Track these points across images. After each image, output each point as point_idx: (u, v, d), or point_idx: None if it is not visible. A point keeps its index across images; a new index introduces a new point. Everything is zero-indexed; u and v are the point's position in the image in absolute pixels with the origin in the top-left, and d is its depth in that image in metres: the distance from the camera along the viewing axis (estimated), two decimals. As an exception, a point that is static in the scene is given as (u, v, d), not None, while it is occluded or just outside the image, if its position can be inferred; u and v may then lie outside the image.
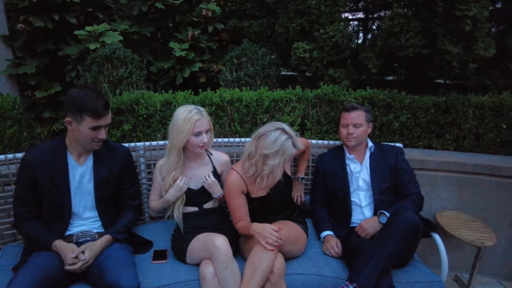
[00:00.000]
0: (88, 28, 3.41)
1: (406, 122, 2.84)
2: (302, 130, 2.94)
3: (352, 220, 2.22)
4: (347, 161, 2.27)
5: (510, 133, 2.77)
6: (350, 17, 3.89)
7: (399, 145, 2.43)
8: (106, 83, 3.21)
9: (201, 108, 1.95)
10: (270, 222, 1.96)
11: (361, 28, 4.11)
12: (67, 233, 1.87)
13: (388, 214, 1.99)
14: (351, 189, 2.23)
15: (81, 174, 1.87)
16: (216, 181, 2.03)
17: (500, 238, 2.62)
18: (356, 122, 2.14)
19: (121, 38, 3.53)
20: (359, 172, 2.21)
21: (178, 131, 1.87)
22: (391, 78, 4.04)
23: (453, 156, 2.73)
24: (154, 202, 2.10)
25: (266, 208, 2.04)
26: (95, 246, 1.79)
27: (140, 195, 2.18)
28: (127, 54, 3.39)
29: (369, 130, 2.23)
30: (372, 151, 2.24)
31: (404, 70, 3.43)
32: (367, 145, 2.27)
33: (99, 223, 1.95)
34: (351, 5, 3.65)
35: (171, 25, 4.85)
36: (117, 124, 2.73)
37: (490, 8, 2.78)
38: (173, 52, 3.95)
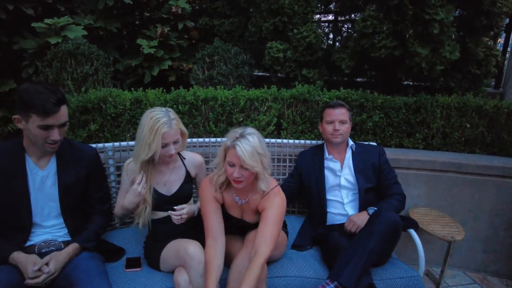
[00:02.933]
0: (47, 20, 3.17)
1: (379, 121, 2.90)
2: (278, 130, 2.91)
3: (328, 218, 2.23)
4: (326, 161, 2.28)
5: (473, 132, 2.91)
6: (323, 18, 3.94)
7: (373, 143, 2.48)
8: (69, 80, 2.99)
9: (172, 115, 1.73)
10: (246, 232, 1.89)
11: (330, 29, 4.18)
12: (28, 243, 1.69)
13: (376, 209, 2.01)
14: (327, 187, 2.23)
15: (42, 179, 1.70)
16: (188, 206, 1.86)
17: (466, 232, 2.73)
18: (341, 119, 2.17)
19: (86, 33, 3.32)
20: (341, 171, 2.22)
21: (144, 141, 1.68)
22: (360, 79, 4.14)
23: (423, 155, 2.82)
24: (116, 207, 1.94)
25: (242, 228, 1.92)
26: (61, 256, 1.63)
27: (109, 198, 2.03)
28: (92, 50, 3.20)
29: (350, 129, 2.26)
30: (354, 150, 2.26)
31: (374, 71, 3.51)
32: (347, 144, 2.29)
33: (65, 230, 1.78)
34: (323, 6, 3.69)
35: (138, 22, 4.67)
36: (83, 124, 2.54)
37: (454, 14, 2.92)
38: (141, 49, 3.78)
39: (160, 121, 1.66)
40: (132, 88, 2.71)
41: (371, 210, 2.05)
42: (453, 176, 2.75)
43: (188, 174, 1.96)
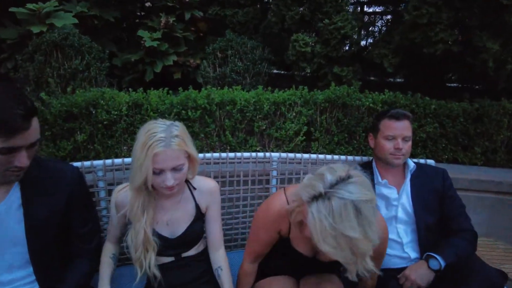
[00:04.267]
0: (30, 5, 2.65)
1: (432, 132, 2.37)
2: (308, 141, 2.40)
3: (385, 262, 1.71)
4: (377, 186, 1.75)
5: (547, 146, 2.40)
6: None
7: (428, 161, 1.96)
8: (54, 77, 2.47)
9: (176, 131, 1.24)
10: (298, 273, 1.43)
11: (363, 20, 3.65)
12: None
13: (440, 259, 1.49)
14: None
15: None
16: None
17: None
18: (406, 135, 1.64)
19: (76, 21, 2.82)
20: (397, 199, 1.70)
21: (136, 161, 1.23)
22: (391, 79, 3.63)
23: (487, 174, 2.32)
24: (104, 260, 1.43)
25: (301, 268, 1.43)
26: None
27: (98, 232, 1.51)
28: (83, 41, 2.68)
29: None
30: (412, 173, 1.73)
31: (415, 71, 2.99)
32: (405, 164, 1.76)
33: (35, 285, 1.27)
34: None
35: (139, 10, 4.16)
36: (68, 134, 2.02)
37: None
38: (142, 42, 3.29)
39: (155, 136, 1.19)
40: (130, 89, 2.19)
41: (433, 263, 1.52)
42: (524, 200, 2.24)
43: (198, 209, 1.44)
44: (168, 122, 1.26)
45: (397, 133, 1.64)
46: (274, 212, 1.26)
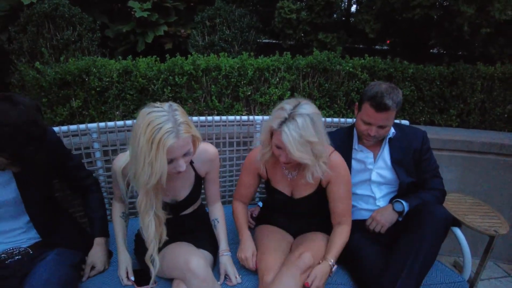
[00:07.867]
0: (20, -24, 2.70)
1: (409, 95, 2.50)
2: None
3: (355, 213, 1.87)
4: (353, 151, 1.85)
5: (518, 108, 2.53)
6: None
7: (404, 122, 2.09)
8: (48, 47, 2.57)
9: (179, 116, 1.18)
10: (294, 229, 1.68)
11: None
12: None
13: (404, 203, 1.66)
14: (354, 181, 1.84)
15: None
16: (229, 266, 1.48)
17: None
18: (383, 124, 1.64)
19: (66, -10, 2.85)
20: (373, 164, 1.81)
21: (142, 158, 1.17)
22: (379, 47, 3.69)
23: (459, 134, 2.45)
24: (116, 220, 1.54)
25: (287, 209, 1.65)
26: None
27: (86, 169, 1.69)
28: (74, 12, 2.74)
29: None
30: (392, 137, 1.82)
31: (398, 38, 3.06)
32: None
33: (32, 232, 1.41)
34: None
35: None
36: (63, 100, 2.15)
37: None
38: (132, 12, 3.33)
39: (162, 129, 1.13)
40: (119, 57, 2.29)
41: (397, 205, 1.69)
42: (493, 158, 2.39)
43: (197, 176, 1.52)
44: (165, 106, 1.19)
45: (373, 121, 1.63)
46: (253, 158, 1.57)
